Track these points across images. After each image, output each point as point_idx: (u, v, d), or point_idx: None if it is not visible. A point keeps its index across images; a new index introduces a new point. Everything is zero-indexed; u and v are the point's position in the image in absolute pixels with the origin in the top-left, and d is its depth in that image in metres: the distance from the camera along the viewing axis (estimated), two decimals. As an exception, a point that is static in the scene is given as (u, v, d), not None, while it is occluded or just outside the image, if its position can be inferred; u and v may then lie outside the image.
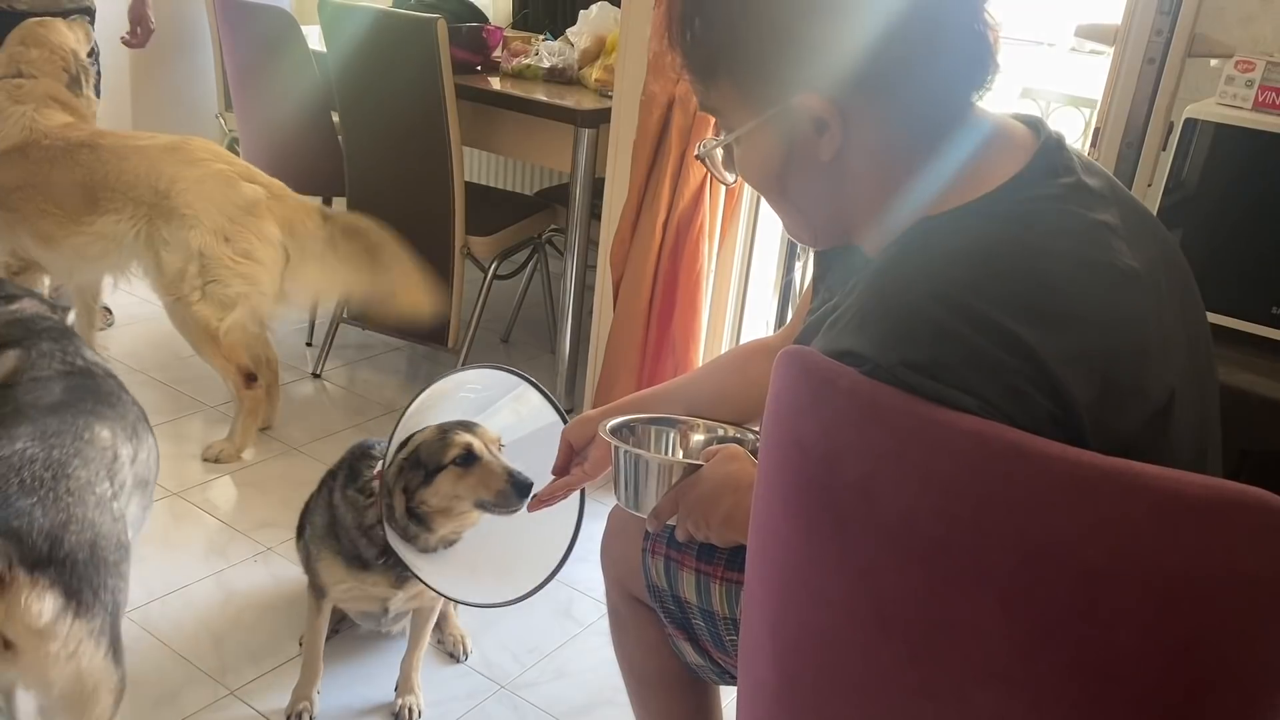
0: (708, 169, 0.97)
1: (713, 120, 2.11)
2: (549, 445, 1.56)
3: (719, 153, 0.94)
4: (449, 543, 1.61)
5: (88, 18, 2.80)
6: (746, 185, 2.23)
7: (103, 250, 2.40)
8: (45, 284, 2.70)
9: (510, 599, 1.52)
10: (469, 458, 1.51)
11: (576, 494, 1.49)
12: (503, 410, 1.62)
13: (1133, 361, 0.76)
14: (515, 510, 1.51)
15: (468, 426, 1.56)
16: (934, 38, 0.82)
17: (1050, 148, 0.83)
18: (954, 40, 0.82)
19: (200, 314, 2.34)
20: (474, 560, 1.62)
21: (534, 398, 1.57)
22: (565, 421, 1.54)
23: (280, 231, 2.36)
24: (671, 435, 1.32)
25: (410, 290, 2.46)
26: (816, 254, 1.12)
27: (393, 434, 1.50)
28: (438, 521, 1.56)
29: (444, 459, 1.52)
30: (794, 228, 0.95)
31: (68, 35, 2.64)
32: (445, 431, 1.54)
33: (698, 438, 1.32)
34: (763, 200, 2.29)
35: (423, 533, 1.56)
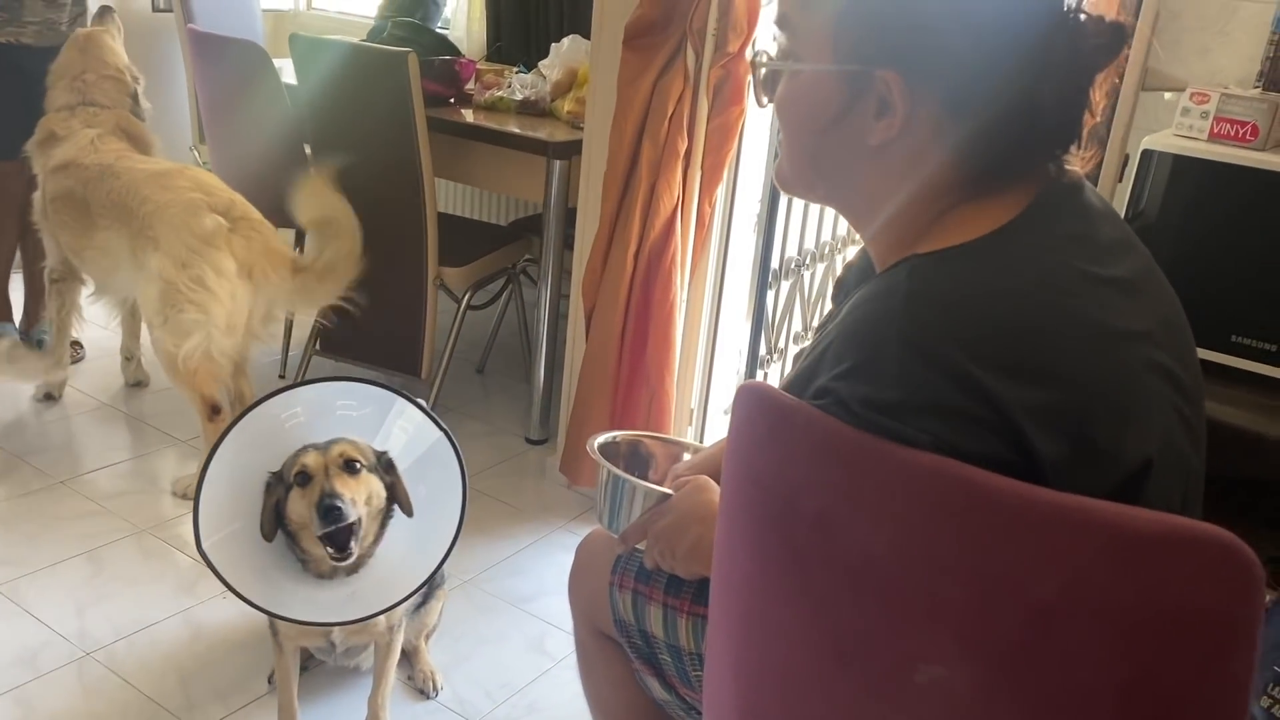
0: (751, 78, 0.91)
1: (681, 151, 2.13)
2: (442, 464, 1.54)
3: (764, 72, 0.89)
4: (351, 568, 1.57)
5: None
6: (717, 215, 2.25)
7: (110, 266, 2.47)
8: (82, 295, 2.79)
9: (371, 612, 1.51)
10: (305, 477, 1.50)
11: (456, 464, 1.47)
12: (394, 430, 1.60)
13: (1109, 423, 0.73)
14: (333, 547, 1.47)
15: (328, 444, 1.53)
16: (1040, 96, 0.78)
17: (1057, 191, 0.81)
18: (1054, 107, 0.79)
19: (160, 339, 2.33)
20: (359, 587, 1.58)
21: (415, 413, 1.55)
22: (446, 433, 1.52)
23: (239, 268, 2.32)
24: (660, 454, 1.33)
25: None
26: (841, 276, 1.10)
27: (205, 465, 1.48)
28: (305, 540, 1.54)
29: (290, 477, 1.52)
30: (784, 170, 0.91)
31: (118, 50, 2.73)
32: (302, 449, 1.54)
33: (688, 459, 1.33)
34: (734, 228, 2.31)
35: (301, 554, 1.56)
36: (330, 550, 1.50)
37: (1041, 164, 0.82)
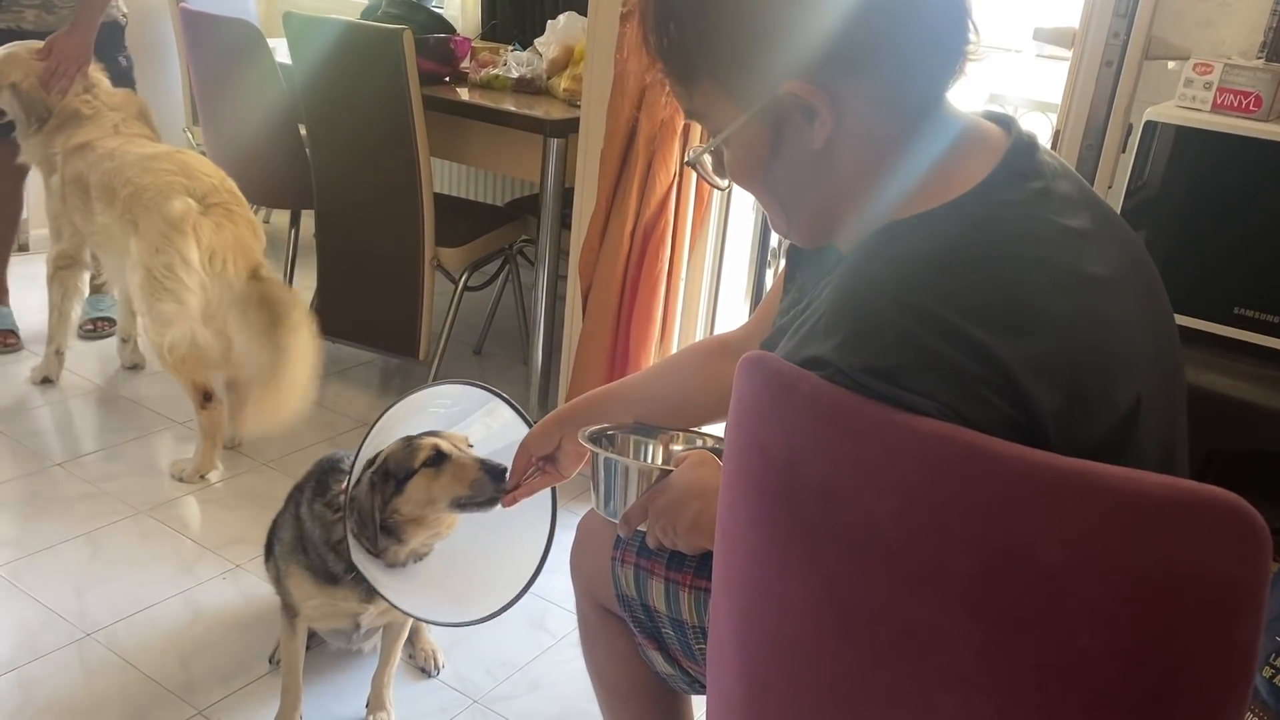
0: (700, 176, 0.94)
1: (679, 128, 2.12)
2: None
3: (708, 159, 0.91)
4: (419, 556, 1.59)
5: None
6: (715, 193, 2.24)
7: (118, 251, 2.44)
8: (84, 282, 2.80)
9: (482, 616, 1.50)
10: (439, 457, 1.49)
11: (549, 506, 1.48)
12: (474, 425, 1.60)
13: (1099, 369, 0.75)
14: (493, 500, 1.48)
15: (432, 433, 1.54)
16: (911, 5, 0.81)
17: (1020, 150, 0.82)
18: (930, 7, 0.81)
19: (147, 327, 2.32)
20: (444, 576, 1.60)
21: (505, 413, 1.55)
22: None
23: (201, 257, 2.26)
24: (651, 446, 1.32)
25: (272, 394, 2.16)
26: (789, 250, 1.11)
27: (359, 450, 1.48)
28: (409, 531, 1.53)
29: (414, 464, 1.49)
30: (782, 225, 0.93)
31: None
32: (411, 439, 1.52)
33: (677, 448, 1.32)
34: (732, 206, 2.30)
35: (393, 545, 1.54)
36: (489, 495, 1.47)
37: (960, 68, 0.83)
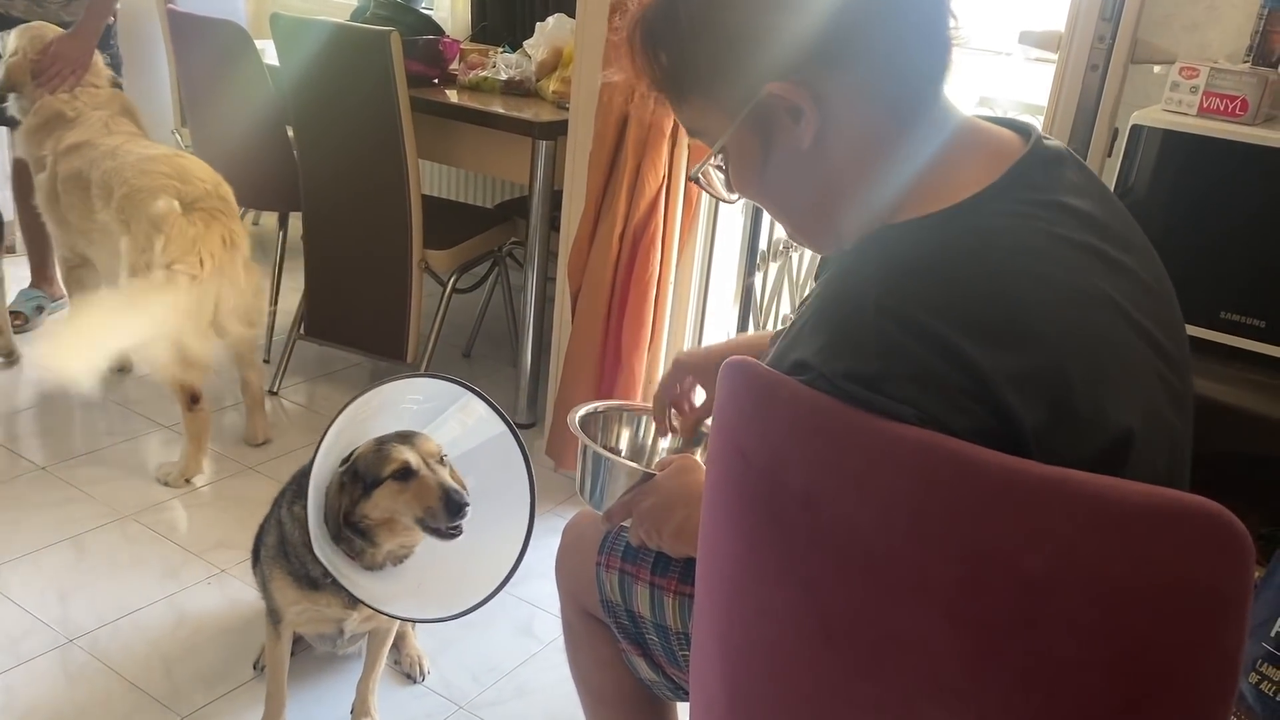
0: (707, 191, 0.95)
1: (667, 130, 2.11)
2: (500, 457, 1.54)
3: (715, 175, 0.92)
4: (398, 559, 1.58)
5: None
6: (704, 196, 2.24)
7: (111, 251, 2.42)
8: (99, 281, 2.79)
9: (457, 611, 1.49)
10: (406, 473, 1.49)
11: (527, 507, 1.48)
12: (449, 422, 1.60)
13: (1089, 386, 0.73)
14: (451, 530, 1.49)
15: (406, 438, 1.53)
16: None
17: (1034, 162, 0.80)
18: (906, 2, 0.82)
19: None
20: (423, 578, 1.59)
21: (479, 407, 1.55)
22: (512, 430, 1.53)
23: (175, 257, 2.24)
24: (644, 421, 1.33)
25: None
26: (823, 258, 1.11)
27: (321, 439, 1.46)
28: (382, 535, 1.53)
29: (381, 473, 1.49)
30: (790, 231, 0.94)
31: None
32: (383, 444, 1.51)
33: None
34: (721, 210, 2.29)
35: (368, 547, 1.54)
36: (447, 528, 1.49)
37: (945, 57, 0.83)
